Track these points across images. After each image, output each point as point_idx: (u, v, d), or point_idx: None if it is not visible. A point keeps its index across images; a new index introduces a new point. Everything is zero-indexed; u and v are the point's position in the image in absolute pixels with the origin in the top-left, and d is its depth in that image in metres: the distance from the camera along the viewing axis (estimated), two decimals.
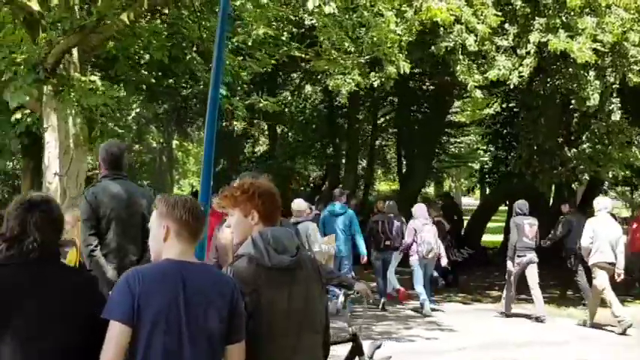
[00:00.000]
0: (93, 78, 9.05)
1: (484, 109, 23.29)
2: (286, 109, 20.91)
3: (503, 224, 23.18)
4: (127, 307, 3.04)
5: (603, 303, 11.65)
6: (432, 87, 21.63)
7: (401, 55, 12.55)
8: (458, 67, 13.32)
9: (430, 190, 32.53)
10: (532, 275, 12.62)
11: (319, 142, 24.18)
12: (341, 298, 5.51)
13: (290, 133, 25.85)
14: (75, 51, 9.38)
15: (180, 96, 16.28)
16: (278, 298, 3.45)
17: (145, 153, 38.37)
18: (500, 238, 24.40)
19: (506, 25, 13.74)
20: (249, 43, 9.85)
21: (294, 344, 3.48)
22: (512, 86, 13.72)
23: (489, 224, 24.49)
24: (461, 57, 13.33)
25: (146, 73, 12.00)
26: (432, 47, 13.46)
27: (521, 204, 12.97)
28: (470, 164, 29.07)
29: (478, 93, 13.32)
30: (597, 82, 13.31)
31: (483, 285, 17.57)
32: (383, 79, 12.94)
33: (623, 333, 11.19)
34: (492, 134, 23.26)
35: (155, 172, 38.68)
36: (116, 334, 3.02)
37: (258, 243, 3.49)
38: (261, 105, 11.65)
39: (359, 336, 5.62)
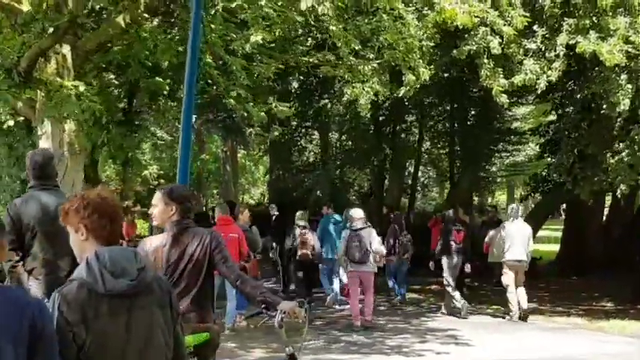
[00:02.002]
0: (76, 83, 8.82)
1: (545, 116, 22.71)
2: (327, 116, 20.68)
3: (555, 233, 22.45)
4: None
5: None
6: (480, 92, 21.04)
7: (421, 61, 12.25)
8: (482, 72, 12.89)
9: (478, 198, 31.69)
10: None
11: (365, 149, 23.87)
12: (278, 317, 5.13)
13: (339, 142, 25.70)
14: (68, 56, 9.35)
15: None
16: (113, 327, 3.13)
17: (211, 162, 38.89)
18: (553, 247, 23.69)
19: (535, 27, 13.25)
20: (247, 49, 9.64)
21: None
22: (539, 91, 13.17)
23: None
24: (486, 61, 12.90)
25: (160, 79, 11.89)
26: (455, 51, 13.10)
27: None
28: (527, 173, 28.23)
29: (504, 98, 12.83)
30: (629, 85, 12.67)
31: None
32: (407, 88, 12.62)
33: None
34: (548, 142, 22.51)
35: (222, 181, 39.10)
36: None
37: (93, 266, 3.15)
38: (273, 111, 11.42)
39: (297, 356, 5.30)
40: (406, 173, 25.07)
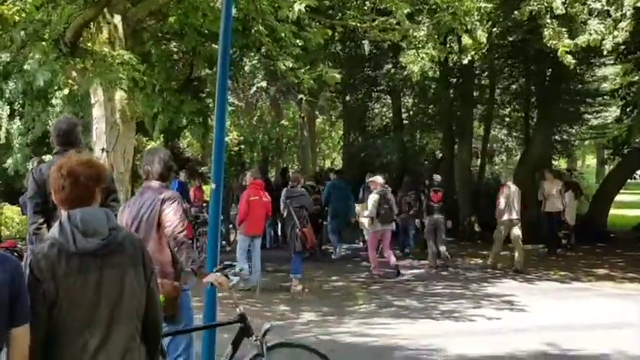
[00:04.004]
0: (121, 52, 9.04)
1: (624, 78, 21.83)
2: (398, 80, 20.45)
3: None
4: None
5: None
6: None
7: (478, 23, 12.02)
8: (546, 32, 12.53)
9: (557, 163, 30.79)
10: None
11: (436, 113, 23.58)
12: (233, 279, 5.33)
13: (411, 106, 25.46)
14: (119, 26, 9.60)
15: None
16: (84, 285, 3.28)
17: (290, 128, 39.18)
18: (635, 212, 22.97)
19: None
20: (293, 16, 9.64)
21: (104, 334, 3.31)
22: (604, 52, 12.72)
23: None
24: (548, 21, 12.52)
25: (216, 46, 12.03)
26: (515, 12, 12.78)
27: None
28: (607, 136, 27.22)
29: (569, 59, 12.41)
30: None
31: (596, 263, 16.52)
32: (467, 52, 12.41)
33: None
34: (627, 104, 21.71)
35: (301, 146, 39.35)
36: None
37: (65, 226, 3.32)
38: (324, 77, 11.42)
39: (247, 316, 5.46)
40: (477, 137, 24.67)
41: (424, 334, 9.52)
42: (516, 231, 15.25)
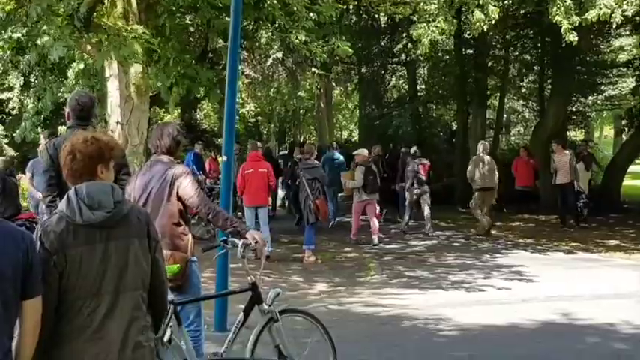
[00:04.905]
0: (135, 27, 9.17)
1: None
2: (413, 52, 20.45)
3: None
4: None
5: None
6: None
7: None
8: (554, 9, 12.51)
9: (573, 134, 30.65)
10: None
11: (449, 84, 23.57)
12: (240, 248, 5.45)
13: (426, 78, 25.47)
14: (134, 1, 9.71)
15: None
16: (91, 256, 3.44)
17: (307, 99, 39.18)
18: None
19: None
20: None
21: (110, 304, 3.46)
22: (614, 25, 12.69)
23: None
24: None
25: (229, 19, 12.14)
26: None
27: None
28: (622, 107, 27.13)
29: (573, 36, 12.41)
30: None
31: (607, 234, 16.59)
32: (477, 25, 12.41)
33: None
34: None
35: (317, 118, 39.36)
36: None
37: (72, 199, 3.49)
38: (336, 51, 11.52)
39: (258, 285, 5.61)
40: (492, 109, 24.69)
41: (433, 304, 9.71)
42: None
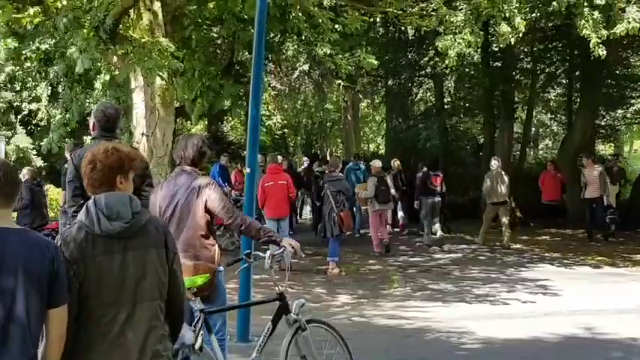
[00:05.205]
0: (160, 40, 9.26)
1: None
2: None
3: None
4: None
5: None
6: None
7: (517, 10, 11.97)
8: (582, 22, 12.40)
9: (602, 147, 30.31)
10: None
11: (477, 98, 23.46)
12: (267, 259, 5.52)
13: (453, 91, 25.37)
14: (159, 12, 9.81)
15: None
16: (109, 265, 3.48)
17: (334, 112, 39.20)
18: None
19: None
20: (326, 2, 9.76)
21: (129, 313, 3.50)
22: None
23: None
24: (586, 10, 12.38)
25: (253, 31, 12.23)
26: (554, 3, 12.67)
27: None
28: None
29: (602, 50, 12.29)
30: None
31: (635, 249, 16.37)
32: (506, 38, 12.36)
33: None
34: None
35: (344, 130, 39.36)
36: None
37: (91, 210, 3.53)
38: (361, 63, 11.55)
39: (285, 295, 5.64)
40: (520, 122, 24.49)
41: (456, 317, 9.65)
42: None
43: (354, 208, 17.72)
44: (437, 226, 16.65)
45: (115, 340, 3.47)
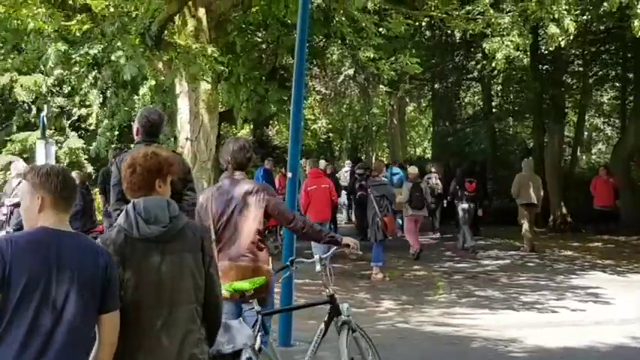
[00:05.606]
0: (205, 46, 9.30)
1: None
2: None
3: None
4: None
5: None
6: None
7: (566, 12, 11.74)
8: (636, 23, 12.10)
9: None
10: None
11: (526, 101, 23.07)
12: (317, 263, 5.62)
13: (501, 94, 25.04)
14: (204, 19, 9.87)
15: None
16: (147, 269, 3.51)
17: (380, 116, 39.04)
18: None
19: None
20: (370, 6, 9.68)
21: (166, 316, 3.52)
22: None
23: None
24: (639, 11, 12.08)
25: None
26: (605, 4, 12.39)
27: None
28: None
29: None
30: None
31: None
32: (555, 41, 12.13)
33: None
34: None
35: (389, 134, 39.16)
36: None
37: (130, 214, 3.57)
38: (405, 67, 11.44)
39: (336, 297, 5.69)
40: (571, 126, 24.03)
41: (504, 325, 9.45)
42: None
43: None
44: (468, 233, 16.52)
45: (152, 343, 3.50)
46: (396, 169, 19.35)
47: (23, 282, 3.12)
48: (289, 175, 8.05)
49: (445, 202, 18.12)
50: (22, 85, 18.63)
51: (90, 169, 20.50)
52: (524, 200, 16.23)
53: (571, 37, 12.68)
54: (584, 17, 14.15)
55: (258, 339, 5.23)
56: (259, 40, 13.44)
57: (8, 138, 20.55)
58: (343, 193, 21.56)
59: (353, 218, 20.78)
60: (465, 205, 16.46)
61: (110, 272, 3.34)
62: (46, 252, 3.20)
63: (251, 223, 5.54)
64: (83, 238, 3.47)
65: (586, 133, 27.94)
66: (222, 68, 9.29)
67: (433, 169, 18.14)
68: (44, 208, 3.30)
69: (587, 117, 25.05)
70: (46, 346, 3.13)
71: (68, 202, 3.39)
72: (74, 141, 20.93)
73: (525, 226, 16.19)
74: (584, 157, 28.73)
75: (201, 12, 9.99)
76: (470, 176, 16.90)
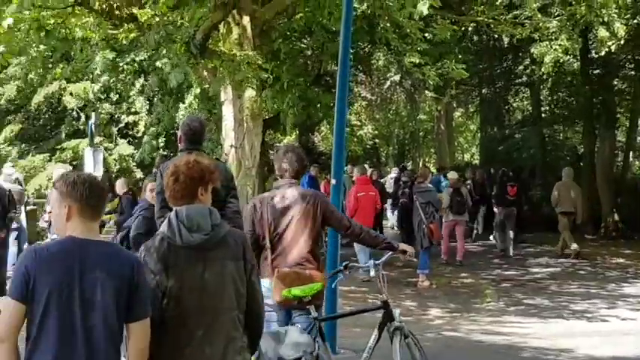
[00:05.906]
0: (249, 53, 9.34)
1: None
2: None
3: None
4: (20, 285, 3.13)
5: None
6: None
7: (616, 15, 11.52)
8: None
9: None
10: None
11: (576, 106, 22.65)
12: (372, 268, 5.70)
13: (550, 99, 24.63)
14: (248, 27, 9.90)
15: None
16: (190, 276, 3.51)
17: (427, 121, 38.77)
18: None
19: None
20: (416, 15, 9.58)
21: (208, 324, 3.51)
22: None
23: None
24: None
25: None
26: None
27: None
28: None
29: None
30: None
31: None
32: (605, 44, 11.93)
33: None
34: None
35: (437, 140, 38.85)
36: (9, 311, 3.14)
37: (173, 222, 3.57)
38: (451, 72, 11.33)
39: (390, 303, 5.72)
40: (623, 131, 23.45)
41: (553, 334, 9.29)
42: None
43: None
44: (500, 236, 16.68)
45: (195, 350, 3.49)
46: (436, 177, 18.96)
47: (46, 293, 3.13)
48: (333, 181, 8.00)
49: (485, 207, 18.17)
50: (71, 93, 18.93)
51: (139, 175, 20.73)
52: (564, 209, 16.23)
53: (622, 41, 12.44)
54: (635, 21, 13.84)
55: (316, 345, 5.17)
56: (304, 46, 13.45)
57: (59, 146, 20.89)
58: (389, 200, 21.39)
59: (396, 224, 20.65)
60: (505, 210, 16.52)
61: (138, 278, 3.31)
62: (71, 262, 3.20)
63: (308, 230, 5.53)
64: (111, 246, 3.53)
65: (638, 138, 27.26)
66: (267, 75, 9.30)
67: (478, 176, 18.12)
68: (71, 217, 3.30)
69: (639, 122, 24.43)
70: (74, 355, 3.15)
71: (96, 210, 3.37)
72: (124, 148, 21.19)
73: (566, 235, 16.15)
74: (636, 162, 28.04)
75: (246, 20, 10.01)
76: (514, 181, 16.88)
